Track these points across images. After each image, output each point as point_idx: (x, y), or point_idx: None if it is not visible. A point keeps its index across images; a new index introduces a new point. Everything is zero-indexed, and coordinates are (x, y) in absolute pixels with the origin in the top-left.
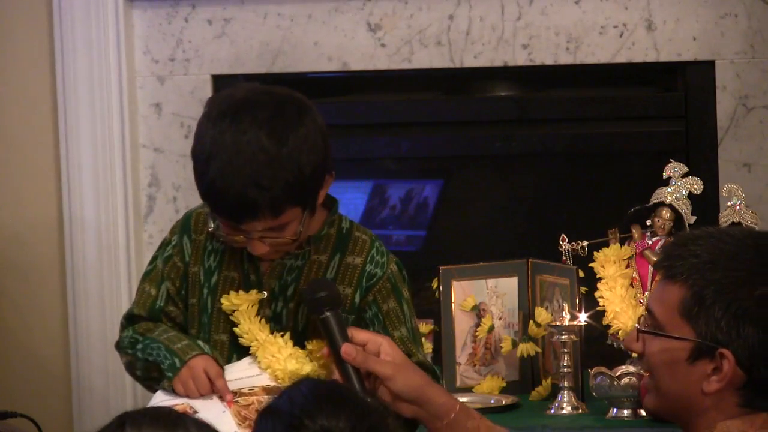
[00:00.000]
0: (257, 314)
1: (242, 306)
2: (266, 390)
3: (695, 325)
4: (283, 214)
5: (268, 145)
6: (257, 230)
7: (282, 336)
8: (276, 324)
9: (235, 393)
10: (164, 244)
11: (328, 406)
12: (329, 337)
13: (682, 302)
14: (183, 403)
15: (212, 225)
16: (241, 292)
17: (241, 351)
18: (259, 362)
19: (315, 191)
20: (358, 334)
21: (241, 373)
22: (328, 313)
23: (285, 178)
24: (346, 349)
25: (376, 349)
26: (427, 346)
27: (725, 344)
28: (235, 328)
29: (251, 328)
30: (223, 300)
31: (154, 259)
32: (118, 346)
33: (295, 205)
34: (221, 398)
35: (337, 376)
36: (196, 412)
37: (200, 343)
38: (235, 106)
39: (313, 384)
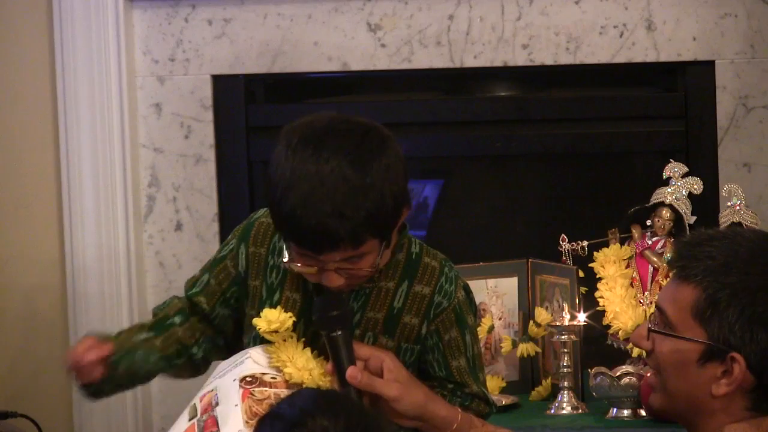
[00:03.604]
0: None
1: (274, 326)
2: (288, 384)
3: (708, 327)
4: (363, 245)
5: (352, 174)
6: (335, 261)
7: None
8: None
9: (255, 378)
10: (226, 242)
11: (328, 407)
12: (335, 356)
13: (695, 304)
14: (212, 390)
15: (286, 257)
16: (272, 311)
17: None
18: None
19: (394, 223)
20: (360, 349)
21: (266, 361)
22: (339, 332)
23: (367, 207)
24: (351, 372)
25: (378, 365)
26: None
27: (737, 348)
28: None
29: (280, 347)
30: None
31: (221, 248)
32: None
33: (374, 236)
34: (240, 387)
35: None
36: (218, 404)
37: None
38: (316, 135)
39: (313, 390)
